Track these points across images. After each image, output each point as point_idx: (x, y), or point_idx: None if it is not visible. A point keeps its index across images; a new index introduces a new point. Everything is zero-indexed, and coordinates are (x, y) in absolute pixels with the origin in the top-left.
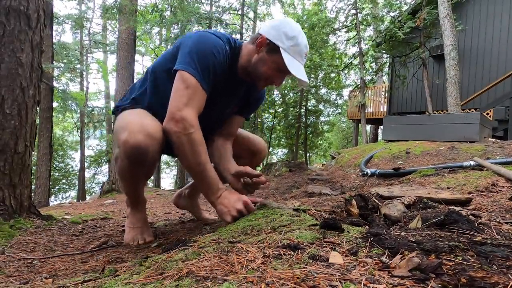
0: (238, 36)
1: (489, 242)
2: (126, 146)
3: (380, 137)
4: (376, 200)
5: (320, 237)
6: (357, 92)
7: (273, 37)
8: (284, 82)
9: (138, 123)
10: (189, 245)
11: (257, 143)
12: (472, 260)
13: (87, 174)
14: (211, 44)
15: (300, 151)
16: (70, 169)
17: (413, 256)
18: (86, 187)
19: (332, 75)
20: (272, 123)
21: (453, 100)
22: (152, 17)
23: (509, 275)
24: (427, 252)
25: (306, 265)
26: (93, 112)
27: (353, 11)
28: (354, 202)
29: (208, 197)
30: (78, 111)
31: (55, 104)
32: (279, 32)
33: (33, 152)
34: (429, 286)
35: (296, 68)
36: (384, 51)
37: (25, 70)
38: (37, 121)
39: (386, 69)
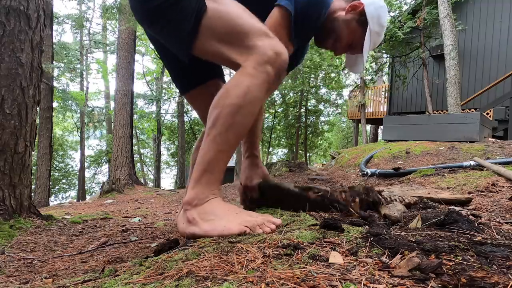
0: None
1: (489, 242)
2: (281, 58)
3: (380, 137)
4: (378, 195)
5: (320, 237)
6: (357, 92)
7: (369, 13)
8: (284, 82)
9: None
10: (189, 245)
11: None
12: (472, 260)
13: (87, 174)
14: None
15: (300, 151)
16: (70, 169)
17: (413, 256)
18: (86, 187)
19: (332, 75)
20: (272, 123)
21: (453, 100)
22: None
23: (509, 275)
24: (427, 252)
25: (306, 265)
26: (93, 112)
27: None
28: (357, 200)
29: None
30: (78, 111)
31: (55, 104)
32: (376, 12)
33: (33, 152)
34: (429, 286)
35: (366, 53)
36: (384, 51)
37: (25, 70)
38: (37, 121)
39: (386, 69)
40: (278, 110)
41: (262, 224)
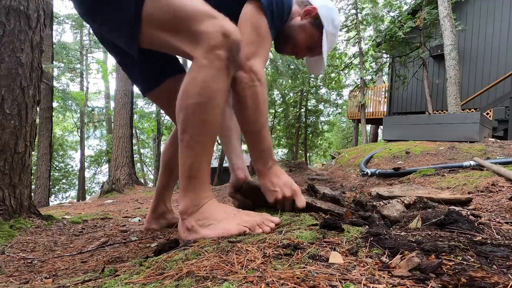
0: None
1: (489, 242)
2: (231, 37)
3: (380, 137)
4: (373, 205)
5: (320, 237)
6: (357, 92)
7: (323, 16)
8: (284, 82)
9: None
10: (189, 245)
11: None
12: (472, 260)
13: (87, 174)
14: None
15: (300, 151)
16: (70, 169)
17: (413, 256)
18: (86, 187)
19: (332, 75)
20: (272, 123)
21: (453, 100)
22: None
23: (509, 275)
24: (427, 252)
25: (306, 265)
26: (93, 112)
27: (353, 11)
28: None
29: (256, 164)
30: (78, 111)
31: (55, 104)
32: (329, 15)
33: (33, 152)
34: (429, 286)
35: (325, 54)
36: (384, 51)
37: (25, 70)
38: (37, 121)
39: (386, 69)
40: (278, 110)
41: (261, 223)
